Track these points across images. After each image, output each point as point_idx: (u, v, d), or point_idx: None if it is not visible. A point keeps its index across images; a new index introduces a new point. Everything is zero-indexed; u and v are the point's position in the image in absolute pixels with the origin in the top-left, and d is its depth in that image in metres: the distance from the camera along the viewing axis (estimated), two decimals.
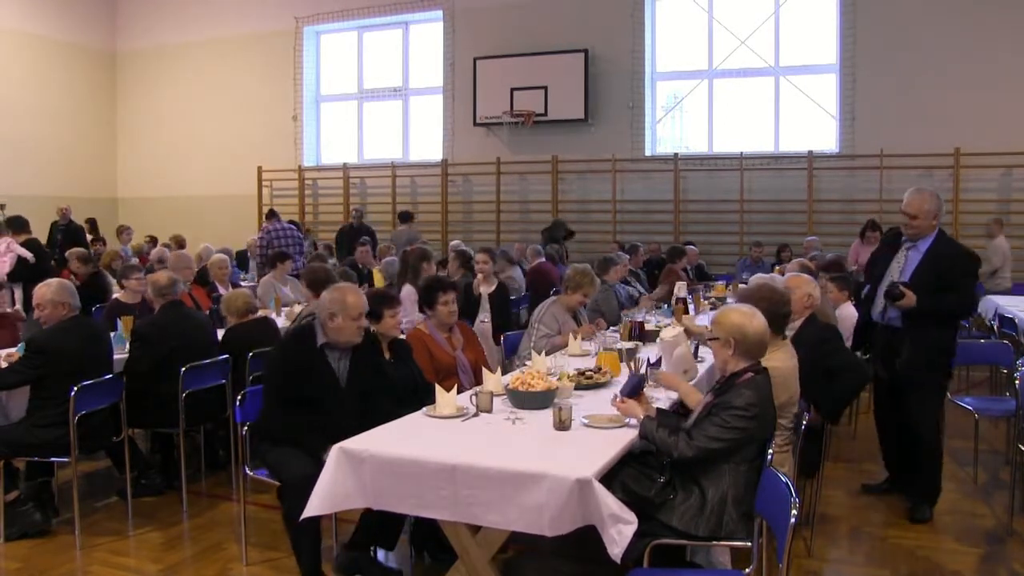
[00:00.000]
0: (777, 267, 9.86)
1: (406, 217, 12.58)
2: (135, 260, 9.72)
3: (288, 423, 3.72)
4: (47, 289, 4.45)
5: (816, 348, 4.09)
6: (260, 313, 5.77)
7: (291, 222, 11.64)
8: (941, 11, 10.80)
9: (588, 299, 5.80)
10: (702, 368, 4.47)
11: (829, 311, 5.36)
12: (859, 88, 11.28)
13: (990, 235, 9.82)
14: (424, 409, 3.61)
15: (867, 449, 5.83)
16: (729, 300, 6.85)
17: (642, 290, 8.04)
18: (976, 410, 5.19)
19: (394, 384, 4.07)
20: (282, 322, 6.26)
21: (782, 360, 3.55)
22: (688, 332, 4.44)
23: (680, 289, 7.09)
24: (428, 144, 14.26)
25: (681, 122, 13.10)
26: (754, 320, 3.17)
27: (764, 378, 3.13)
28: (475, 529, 3.04)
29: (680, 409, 3.87)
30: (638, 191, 12.56)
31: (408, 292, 6.25)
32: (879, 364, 4.72)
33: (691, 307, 6.94)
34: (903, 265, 4.52)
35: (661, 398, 3.86)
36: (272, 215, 11.26)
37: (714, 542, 3.02)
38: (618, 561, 2.69)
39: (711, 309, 6.95)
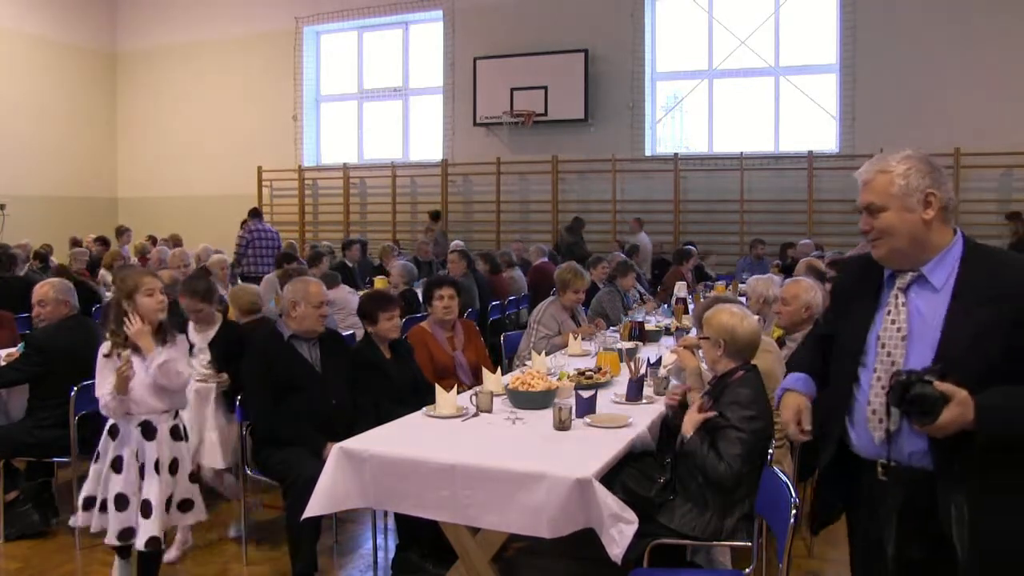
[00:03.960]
0: (774, 265, 9.88)
1: (437, 216, 12.82)
2: (134, 260, 9.72)
3: (285, 425, 3.73)
4: (49, 287, 4.46)
5: None
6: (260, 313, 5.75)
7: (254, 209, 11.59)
8: (941, 11, 10.80)
9: (581, 295, 5.77)
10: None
11: None
12: (859, 88, 11.28)
13: (632, 231, 11.66)
14: (424, 409, 3.61)
15: None
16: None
17: (643, 290, 8.04)
18: None
19: (392, 381, 4.09)
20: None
21: (761, 357, 3.48)
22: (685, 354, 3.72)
23: (680, 289, 7.09)
24: (428, 144, 14.27)
25: (681, 122, 13.11)
26: (744, 321, 3.12)
27: (755, 374, 3.11)
28: (475, 529, 3.04)
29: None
30: (638, 191, 12.55)
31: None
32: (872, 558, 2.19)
33: (691, 307, 6.95)
34: (905, 324, 2.06)
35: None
36: (255, 214, 11.17)
37: (714, 542, 3.02)
38: (618, 561, 2.69)
39: None
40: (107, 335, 3.41)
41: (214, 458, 4.24)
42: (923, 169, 2.05)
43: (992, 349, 1.92)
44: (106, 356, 3.37)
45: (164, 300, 3.43)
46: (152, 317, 3.38)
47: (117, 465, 3.35)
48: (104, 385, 3.34)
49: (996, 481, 1.95)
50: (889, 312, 2.09)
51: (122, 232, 12.17)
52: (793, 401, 2.24)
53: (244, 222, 12.21)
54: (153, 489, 3.32)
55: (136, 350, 3.34)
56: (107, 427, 3.43)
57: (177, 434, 3.47)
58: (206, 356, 4.36)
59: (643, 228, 11.64)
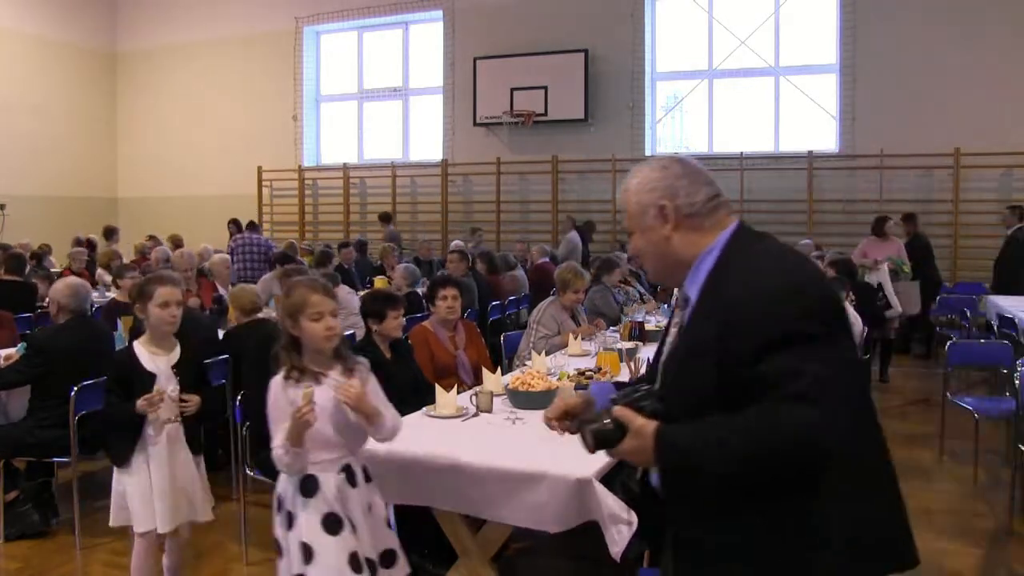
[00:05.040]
0: None
1: (388, 218, 13.00)
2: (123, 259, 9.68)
3: None
4: (61, 287, 4.48)
5: None
6: (260, 314, 5.76)
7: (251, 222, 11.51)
8: (941, 11, 10.79)
9: (580, 295, 5.78)
10: None
11: None
12: (859, 88, 11.28)
13: (564, 230, 11.71)
14: (424, 409, 3.61)
15: None
16: None
17: (642, 290, 8.04)
18: (976, 410, 5.19)
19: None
20: None
21: None
22: None
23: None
24: (428, 144, 14.26)
25: (681, 122, 13.10)
26: None
27: None
28: (475, 529, 3.05)
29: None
30: None
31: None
32: None
33: None
34: (668, 346, 1.90)
35: None
36: (250, 226, 11.06)
37: None
38: (618, 560, 2.69)
39: None
40: (282, 365, 2.67)
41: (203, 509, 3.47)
42: (653, 179, 1.82)
43: (703, 371, 1.65)
44: (286, 379, 2.62)
45: (337, 326, 2.66)
46: (320, 346, 2.63)
47: (333, 525, 2.57)
48: (280, 430, 2.57)
49: (699, 524, 1.70)
50: (670, 339, 1.90)
51: (111, 232, 12.08)
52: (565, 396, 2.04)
53: (232, 221, 12.31)
54: (365, 541, 2.63)
55: (316, 378, 2.62)
56: (297, 484, 2.61)
57: (367, 474, 2.79)
58: (172, 385, 3.34)
59: (575, 227, 11.50)
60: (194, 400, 3.34)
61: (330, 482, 2.60)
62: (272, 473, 3.75)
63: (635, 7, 12.36)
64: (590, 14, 12.50)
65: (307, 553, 2.54)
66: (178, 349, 3.39)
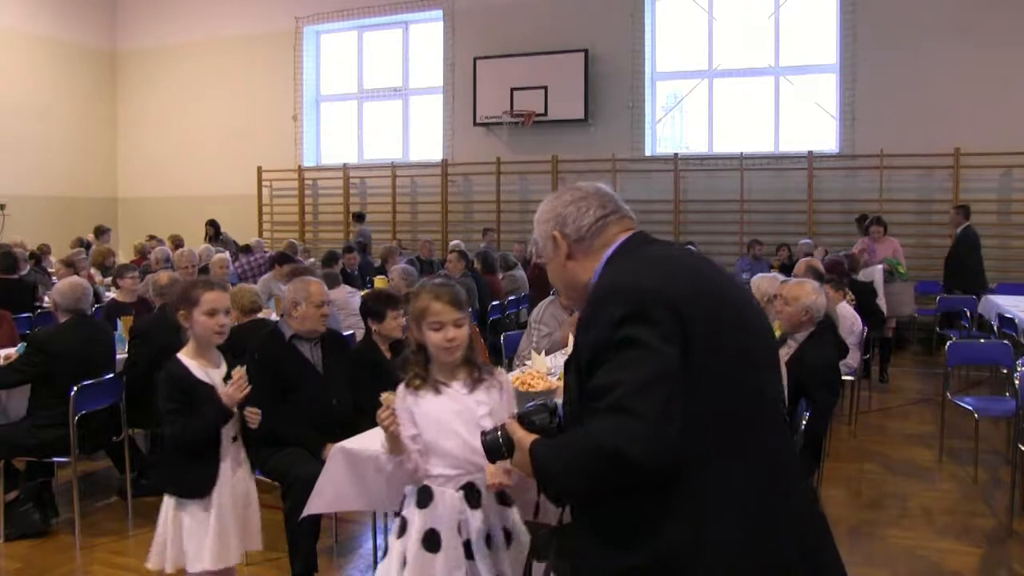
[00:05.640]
0: (774, 262, 9.89)
1: (361, 217, 13.09)
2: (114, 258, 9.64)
3: (285, 425, 3.73)
4: (62, 287, 4.48)
5: (814, 375, 3.83)
6: (260, 314, 5.75)
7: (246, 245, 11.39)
8: (941, 11, 10.79)
9: None
10: None
11: (833, 313, 5.37)
12: (859, 88, 11.27)
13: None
14: None
15: (867, 449, 5.84)
16: None
17: None
18: (976, 410, 5.19)
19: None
20: None
21: None
22: None
23: None
24: (428, 144, 14.26)
25: (681, 122, 13.10)
26: None
27: None
28: None
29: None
30: (638, 191, 12.53)
31: None
32: None
33: None
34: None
35: None
36: (244, 249, 11.02)
37: None
38: None
39: None
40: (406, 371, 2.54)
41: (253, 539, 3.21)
42: (546, 210, 1.87)
43: (573, 387, 1.68)
44: (407, 386, 2.52)
45: (458, 336, 2.48)
46: (440, 358, 2.50)
47: (432, 542, 2.44)
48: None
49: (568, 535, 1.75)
50: None
51: (102, 231, 12.03)
52: None
53: (209, 222, 12.13)
54: (479, 568, 2.43)
55: (436, 387, 2.50)
56: (415, 492, 2.50)
57: (504, 497, 2.54)
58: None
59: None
60: (258, 412, 3.06)
61: (445, 498, 2.45)
62: (272, 473, 3.77)
63: (635, 7, 12.36)
64: (590, 14, 12.50)
65: (405, 566, 2.45)
66: (223, 360, 3.12)
